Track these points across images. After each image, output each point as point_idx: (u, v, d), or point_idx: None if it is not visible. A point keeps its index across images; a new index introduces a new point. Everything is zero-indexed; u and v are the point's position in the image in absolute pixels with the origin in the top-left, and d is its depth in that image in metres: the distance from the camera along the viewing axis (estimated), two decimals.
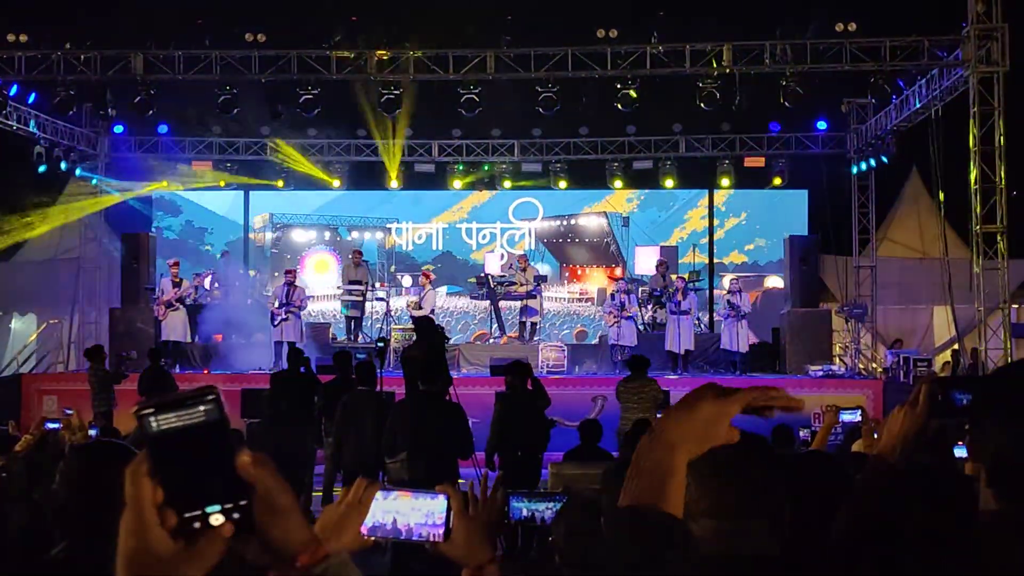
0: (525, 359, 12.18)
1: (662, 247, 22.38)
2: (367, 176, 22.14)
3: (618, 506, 1.55)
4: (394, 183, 21.53)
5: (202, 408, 1.11)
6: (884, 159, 19.62)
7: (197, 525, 1.10)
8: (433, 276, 19.55)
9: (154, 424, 1.10)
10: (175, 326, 17.56)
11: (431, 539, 1.90)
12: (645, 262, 22.11)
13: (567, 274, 23.06)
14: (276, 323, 17.61)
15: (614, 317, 17.74)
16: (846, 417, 6.18)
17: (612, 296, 18.09)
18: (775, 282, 22.31)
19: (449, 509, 1.90)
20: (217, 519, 1.10)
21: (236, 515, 1.11)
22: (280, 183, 21.74)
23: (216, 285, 19.52)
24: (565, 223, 23.09)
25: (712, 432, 1.53)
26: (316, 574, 1.27)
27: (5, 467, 5.85)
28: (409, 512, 1.87)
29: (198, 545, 1.10)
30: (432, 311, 17.90)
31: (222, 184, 21.84)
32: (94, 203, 21.55)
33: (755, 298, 21.58)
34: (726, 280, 21.22)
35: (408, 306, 18.60)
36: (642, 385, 11.54)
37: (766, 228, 22.14)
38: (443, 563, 1.97)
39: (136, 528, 1.10)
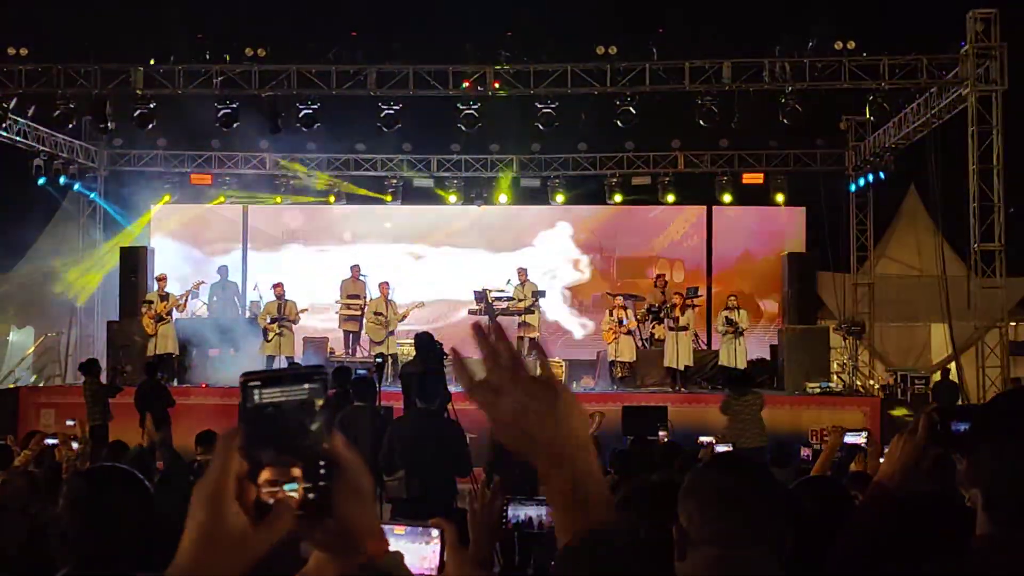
0: None
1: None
2: (367, 190, 22.15)
3: (567, 546, 1.49)
4: (395, 198, 21.65)
5: (307, 386, 1.13)
6: (882, 176, 19.65)
7: (271, 497, 1.10)
8: (388, 287, 19.37)
9: (256, 396, 1.11)
10: (165, 340, 17.56)
11: (425, 574, 1.92)
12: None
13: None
14: (269, 338, 17.59)
15: (613, 333, 17.72)
16: (850, 439, 6.15)
17: (610, 312, 18.05)
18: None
19: (443, 543, 1.92)
20: (294, 492, 1.10)
21: (313, 495, 1.11)
22: (279, 199, 21.79)
23: (206, 298, 19.45)
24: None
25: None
26: (378, 565, 1.27)
27: (4, 481, 5.85)
28: (403, 549, 1.89)
29: (265, 519, 1.10)
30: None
31: (223, 200, 21.88)
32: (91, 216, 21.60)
33: None
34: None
35: (372, 315, 18.23)
36: (755, 398, 12.62)
37: (763, 245, 22.07)
38: None
39: (213, 499, 1.10)
